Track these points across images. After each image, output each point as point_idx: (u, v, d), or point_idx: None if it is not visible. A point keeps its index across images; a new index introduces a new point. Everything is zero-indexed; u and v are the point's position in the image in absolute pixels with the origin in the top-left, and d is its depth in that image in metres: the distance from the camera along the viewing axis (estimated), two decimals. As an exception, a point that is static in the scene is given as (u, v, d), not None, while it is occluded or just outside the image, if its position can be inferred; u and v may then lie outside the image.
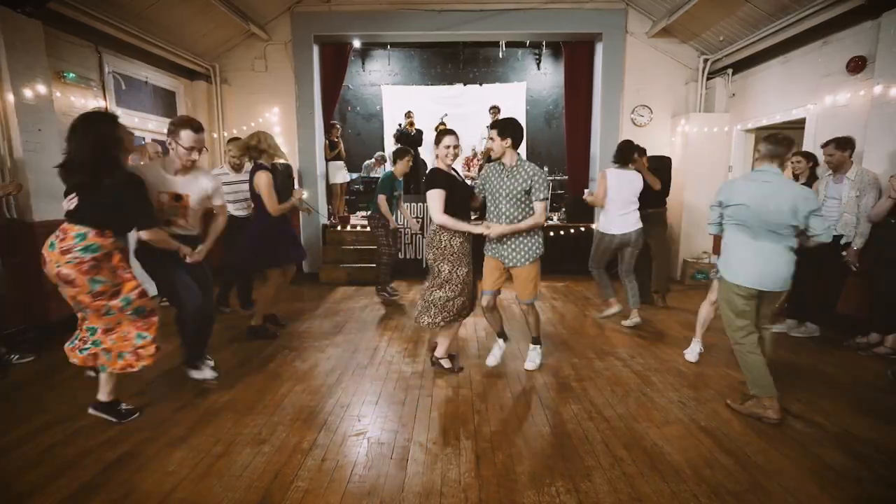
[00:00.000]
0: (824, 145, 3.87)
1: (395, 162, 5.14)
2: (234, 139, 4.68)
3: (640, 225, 4.18)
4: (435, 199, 2.98)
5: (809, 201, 2.49)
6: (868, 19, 4.16)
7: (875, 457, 2.29)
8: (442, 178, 3.02)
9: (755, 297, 2.66)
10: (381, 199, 4.98)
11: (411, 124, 7.81)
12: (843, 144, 3.76)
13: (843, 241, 3.81)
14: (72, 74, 4.47)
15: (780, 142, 2.61)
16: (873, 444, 2.40)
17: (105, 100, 4.93)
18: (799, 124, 5.13)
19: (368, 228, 5.49)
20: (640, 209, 4.21)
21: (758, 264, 2.62)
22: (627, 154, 4.29)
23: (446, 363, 3.34)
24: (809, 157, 4.28)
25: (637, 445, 2.39)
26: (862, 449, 2.35)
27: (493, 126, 3.13)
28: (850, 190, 3.75)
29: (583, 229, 6.46)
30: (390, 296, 5.29)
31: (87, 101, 4.69)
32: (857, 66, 4.29)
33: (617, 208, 4.15)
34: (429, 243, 3.15)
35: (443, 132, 3.15)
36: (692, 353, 3.54)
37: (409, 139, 7.65)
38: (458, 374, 3.29)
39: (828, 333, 4.06)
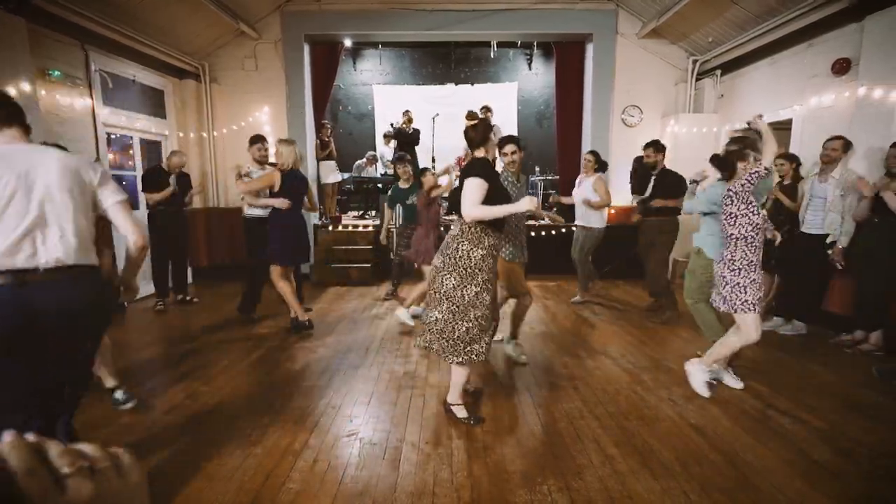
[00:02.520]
0: (831, 140, 3.90)
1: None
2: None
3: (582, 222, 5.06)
4: (473, 187, 2.40)
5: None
6: (852, 22, 4.23)
7: (861, 452, 2.32)
8: (487, 168, 2.49)
9: None
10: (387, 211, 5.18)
11: (409, 121, 7.69)
12: (848, 146, 3.87)
13: (828, 240, 3.88)
14: (57, 72, 4.39)
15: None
16: (859, 440, 2.44)
17: (91, 98, 4.86)
18: (786, 125, 5.20)
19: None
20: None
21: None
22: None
23: (460, 411, 2.61)
24: (792, 158, 4.35)
25: (628, 443, 2.41)
26: (848, 445, 2.39)
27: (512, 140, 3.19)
28: (834, 189, 3.81)
29: (574, 229, 6.49)
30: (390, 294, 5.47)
31: (73, 100, 4.62)
32: (841, 67, 4.36)
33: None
34: (442, 248, 2.56)
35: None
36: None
37: (406, 137, 7.56)
38: (471, 424, 2.59)
39: (814, 331, 4.13)
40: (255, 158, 4.49)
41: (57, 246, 1.62)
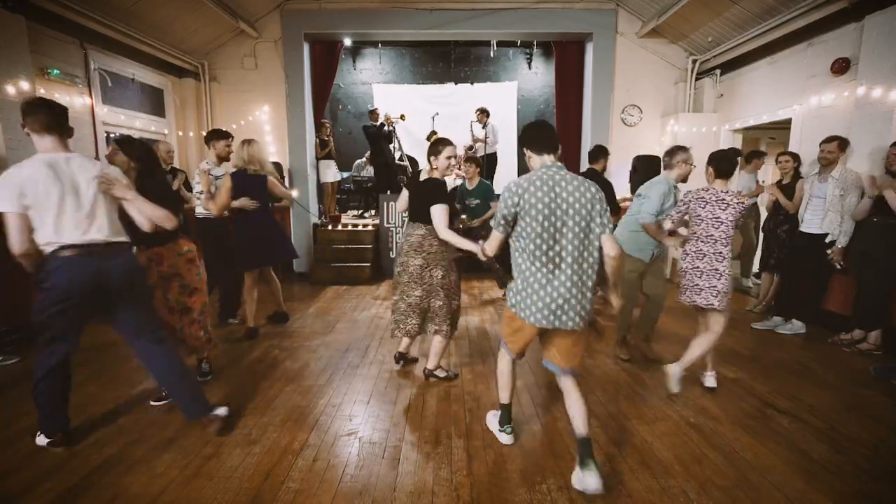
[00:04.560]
0: (826, 141, 3.90)
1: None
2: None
3: None
4: (441, 213, 2.80)
5: None
6: (852, 22, 4.24)
7: (860, 451, 2.33)
8: (446, 192, 2.86)
9: None
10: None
11: (402, 117, 7.60)
12: (844, 145, 3.87)
13: (827, 240, 3.88)
14: (56, 71, 4.39)
15: None
16: (858, 439, 2.44)
17: (90, 97, 4.85)
18: (785, 124, 5.20)
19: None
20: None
21: None
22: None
23: (442, 373, 3.20)
24: (796, 157, 4.36)
25: (627, 443, 2.41)
26: (847, 444, 2.40)
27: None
28: (834, 189, 3.81)
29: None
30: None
31: (73, 98, 4.61)
32: (841, 67, 4.36)
33: None
34: (416, 248, 2.95)
35: (439, 141, 2.92)
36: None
37: (380, 134, 7.43)
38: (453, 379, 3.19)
39: (813, 330, 4.13)
40: (219, 155, 4.04)
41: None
